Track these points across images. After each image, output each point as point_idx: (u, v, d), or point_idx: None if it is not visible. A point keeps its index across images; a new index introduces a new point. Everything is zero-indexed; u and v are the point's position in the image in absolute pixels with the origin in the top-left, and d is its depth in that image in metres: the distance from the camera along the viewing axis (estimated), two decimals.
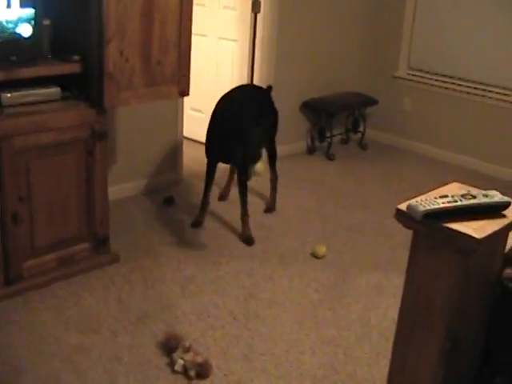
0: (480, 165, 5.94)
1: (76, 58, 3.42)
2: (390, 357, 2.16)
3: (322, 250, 4.10)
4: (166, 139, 5.03)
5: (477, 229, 1.71)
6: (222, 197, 4.83)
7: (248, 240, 4.21)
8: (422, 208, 1.75)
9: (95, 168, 3.58)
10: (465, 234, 1.69)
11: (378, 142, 6.56)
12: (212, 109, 5.79)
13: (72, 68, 3.41)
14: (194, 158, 5.63)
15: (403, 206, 1.82)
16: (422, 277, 1.88)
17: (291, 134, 5.99)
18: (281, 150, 5.78)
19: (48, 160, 3.40)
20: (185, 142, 5.38)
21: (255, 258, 4.05)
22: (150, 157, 4.93)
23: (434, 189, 2.02)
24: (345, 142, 6.50)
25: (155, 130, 4.91)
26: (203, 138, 5.95)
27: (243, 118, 3.94)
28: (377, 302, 3.67)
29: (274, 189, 4.77)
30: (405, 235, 4.46)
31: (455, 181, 2.14)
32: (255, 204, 4.68)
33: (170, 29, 3.54)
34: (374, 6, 6.38)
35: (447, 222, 1.74)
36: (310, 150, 6.14)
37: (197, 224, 4.38)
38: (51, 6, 3.41)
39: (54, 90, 3.43)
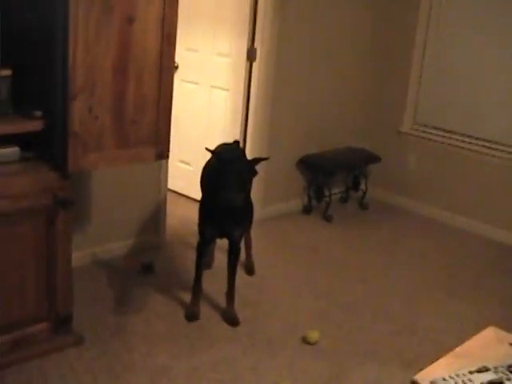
0: (493, 232, 5.47)
1: (38, 113, 2.98)
2: None
3: (314, 336, 3.61)
4: (147, 196, 4.57)
5: None
6: (206, 264, 4.34)
7: (233, 321, 3.72)
8: None
9: (57, 240, 3.11)
10: None
11: (380, 201, 6.11)
12: (202, 163, 5.40)
13: (33, 125, 2.97)
14: (179, 217, 5.19)
15: (424, 380, 1.30)
16: None
17: (286, 191, 5.56)
18: (275, 208, 5.40)
19: (2, 231, 2.94)
20: (170, 196, 4.92)
21: (238, 343, 3.55)
22: (129, 216, 4.47)
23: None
24: (344, 200, 6.05)
25: (136, 186, 4.45)
26: (190, 193, 5.56)
27: (240, 186, 3.41)
28: None
29: (249, 249, 4.39)
30: (406, 317, 4.01)
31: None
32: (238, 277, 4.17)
33: (147, 84, 3.10)
34: (379, 55, 5.99)
35: None
36: (307, 210, 5.68)
37: (192, 317, 3.72)
38: (12, 53, 2.98)
39: (11, 150, 2.99)
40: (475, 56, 5.49)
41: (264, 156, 3.74)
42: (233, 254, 3.76)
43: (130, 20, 2.91)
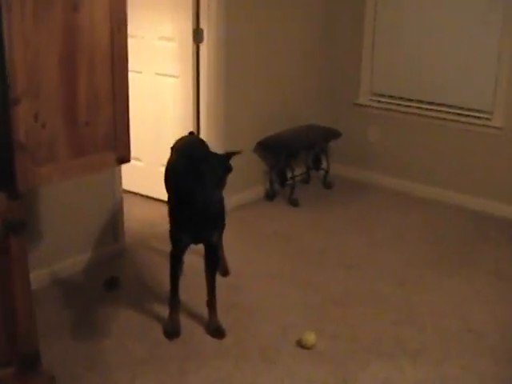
0: (462, 199, 5.26)
1: None
2: None
3: (310, 338, 3.27)
4: (101, 201, 4.13)
5: None
6: None
7: (218, 333, 3.35)
8: None
9: (12, 269, 2.66)
10: None
11: (343, 178, 5.81)
12: (153, 157, 4.98)
13: None
14: (137, 218, 4.77)
15: None
16: None
17: (247, 178, 5.19)
18: (237, 198, 5.02)
19: None
20: (124, 197, 4.48)
21: (229, 356, 3.18)
22: (84, 226, 4.03)
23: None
24: (306, 181, 5.72)
25: (87, 191, 3.99)
26: (143, 191, 5.14)
27: (213, 185, 2.99)
28: None
29: (221, 248, 3.94)
30: (401, 303, 3.72)
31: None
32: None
33: (99, 78, 2.67)
34: (329, 29, 5.67)
35: None
36: (270, 196, 5.33)
37: (173, 334, 3.32)
38: None
39: None
40: (429, 20, 5.23)
41: (236, 150, 3.30)
42: (211, 260, 3.37)
43: (74, 7, 2.46)
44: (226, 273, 3.98)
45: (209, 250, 3.33)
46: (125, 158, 2.85)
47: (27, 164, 2.50)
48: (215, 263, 3.39)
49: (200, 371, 3.06)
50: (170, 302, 3.38)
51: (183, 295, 3.56)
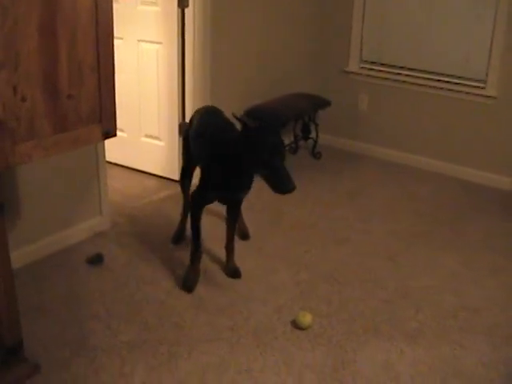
0: (454, 169, 5.15)
1: None
2: None
3: (306, 319, 3.14)
4: (84, 175, 3.93)
5: None
6: (179, 238, 3.87)
7: (235, 273, 3.57)
8: None
9: None
10: None
11: (332, 148, 5.67)
12: (136, 127, 4.81)
13: None
14: (121, 190, 4.59)
15: None
16: None
17: None
18: None
19: None
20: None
21: (223, 340, 3.04)
22: (66, 201, 3.83)
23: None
24: (294, 151, 5.56)
25: (69, 164, 3.79)
26: (126, 162, 4.95)
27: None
28: None
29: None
30: (394, 279, 3.61)
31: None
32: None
33: (82, 47, 2.47)
34: None
35: None
36: None
37: (192, 287, 3.42)
38: None
39: None
40: None
41: None
42: (234, 214, 3.56)
43: None
44: (246, 236, 4.03)
45: (234, 205, 3.50)
46: (111, 132, 2.67)
47: (5, 141, 2.31)
48: (237, 216, 3.60)
49: (192, 356, 2.92)
50: (191, 251, 3.42)
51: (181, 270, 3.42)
